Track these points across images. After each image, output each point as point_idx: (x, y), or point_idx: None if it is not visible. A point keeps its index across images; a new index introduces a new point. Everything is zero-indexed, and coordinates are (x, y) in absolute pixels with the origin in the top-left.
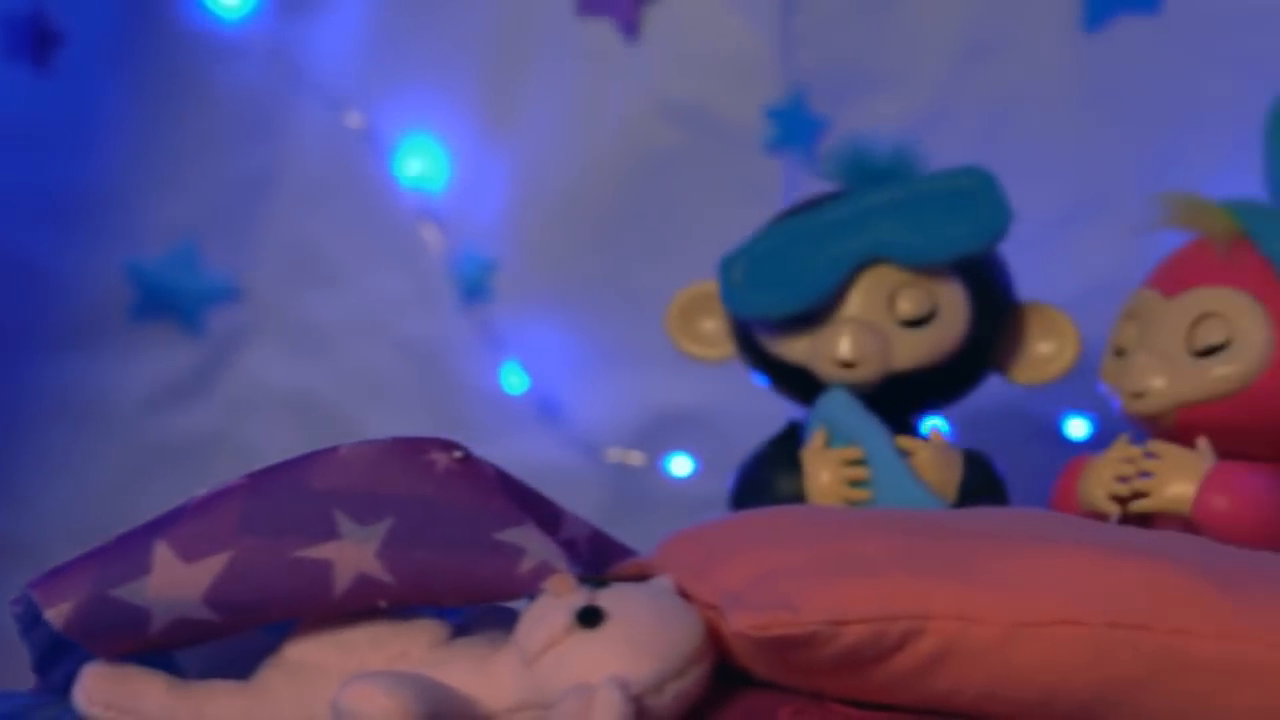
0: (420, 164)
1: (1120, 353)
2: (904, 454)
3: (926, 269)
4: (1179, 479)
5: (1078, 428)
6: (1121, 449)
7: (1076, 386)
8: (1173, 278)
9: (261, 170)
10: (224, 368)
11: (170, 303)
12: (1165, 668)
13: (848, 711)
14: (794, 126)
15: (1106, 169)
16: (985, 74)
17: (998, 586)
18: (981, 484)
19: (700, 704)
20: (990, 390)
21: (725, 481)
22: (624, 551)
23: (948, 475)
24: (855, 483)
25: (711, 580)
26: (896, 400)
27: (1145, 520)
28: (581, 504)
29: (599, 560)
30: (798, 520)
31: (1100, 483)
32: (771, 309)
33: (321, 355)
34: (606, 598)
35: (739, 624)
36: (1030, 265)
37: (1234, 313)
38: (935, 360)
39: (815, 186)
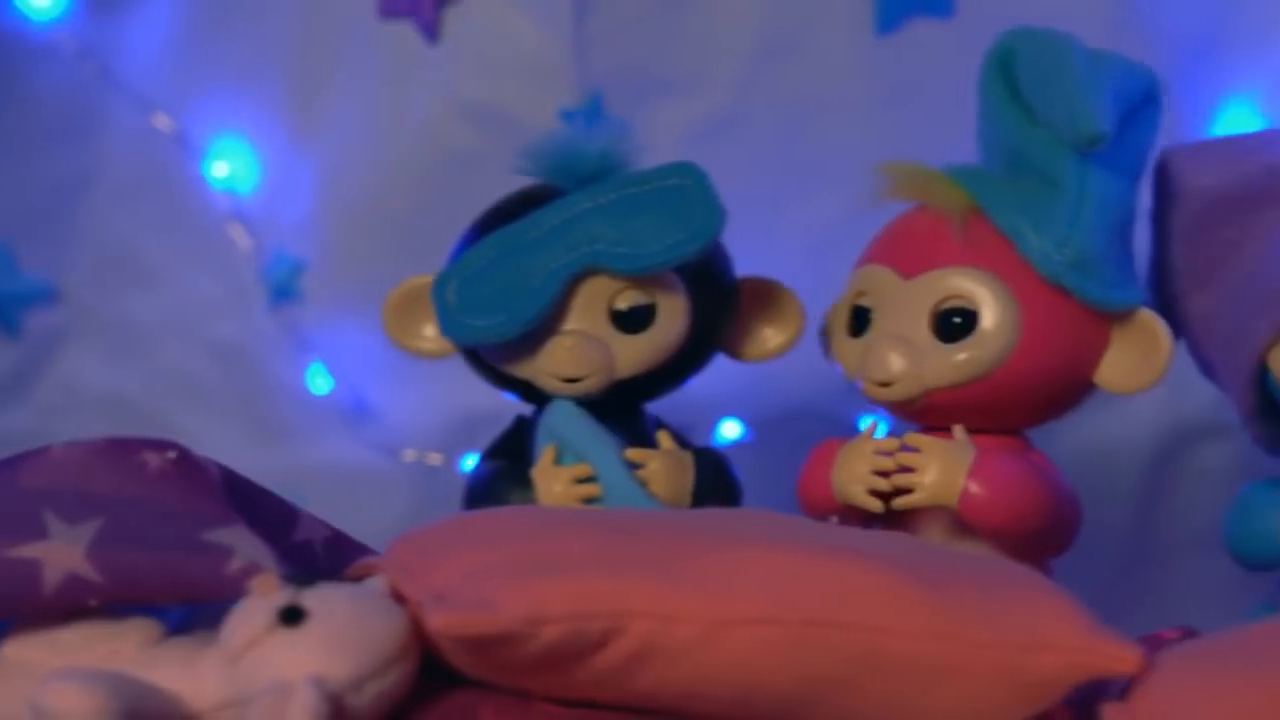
0: (230, 166)
1: (856, 334)
2: (634, 466)
3: (646, 274)
4: (943, 473)
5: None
6: (875, 441)
7: None
8: (909, 257)
9: (75, 172)
10: (40, 369)
11: None
12: (865, 667)
13: (552, 710)
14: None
15: None
16: (780, 76)
17: (698, 586)
18: (713, 484)
19: (404, 703)
20: (783, 389)
21: None
22: (364, 553)
23: (680, 483)
24: (589, 499)
25: (422, 580)
26: (625, 404)
27: (905, 513)
28: (387, 504)
29: (336, 561)
30: (509, 520)
31: (857, 477)
32: (488, 335)
33: (136, 357)
34: (310, 597)
35: (437, 622)
36: (827, 266)
37: (978, 294)
38: (659, 362)
39: None
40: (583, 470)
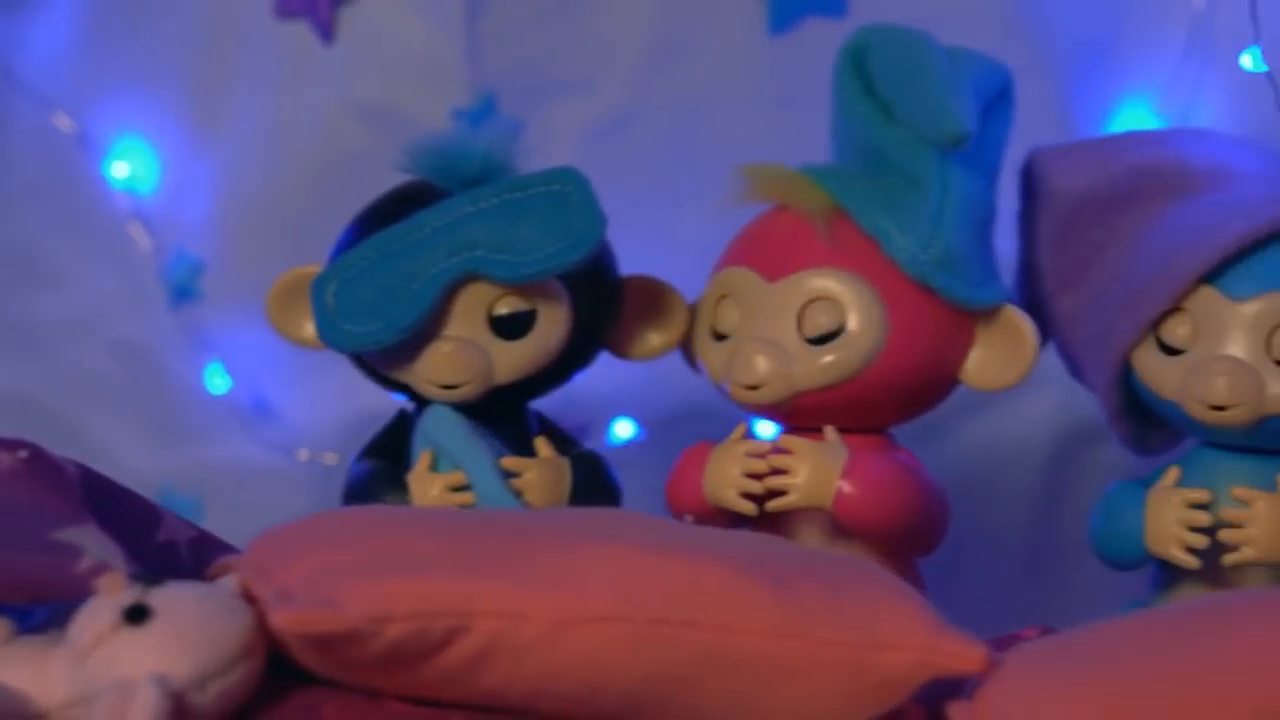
0: (130, 166)
1: (721, 336)
2: (510, 475)
3: (527, 282)
4: (815, 473)
5: (766, 427)
6: (746, 444)
7: None
8: (772, 259)
9: None
10: None
11: None
12: (710, 665)
13: (399, 708)
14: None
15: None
16: (674, 75)
17: (544, 584)
18: (589, 488)
19: (249, 701)
20: (677, 388)
21: None
22: (229, 552)
23: (556, 491)
24: (463, 508)
25: (273, 578)
26: (505, 408)
27: (780, 515)
28: (284, 503)
29: (200, 561)
30: (361, 520)
31: (729, 480)
32: (365, 342)
33: (38, 356)
34: (156, 596)
35: (280, 621)
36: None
37: (844, 296)
38: (539, 367)
39: None
40: (458, 479)
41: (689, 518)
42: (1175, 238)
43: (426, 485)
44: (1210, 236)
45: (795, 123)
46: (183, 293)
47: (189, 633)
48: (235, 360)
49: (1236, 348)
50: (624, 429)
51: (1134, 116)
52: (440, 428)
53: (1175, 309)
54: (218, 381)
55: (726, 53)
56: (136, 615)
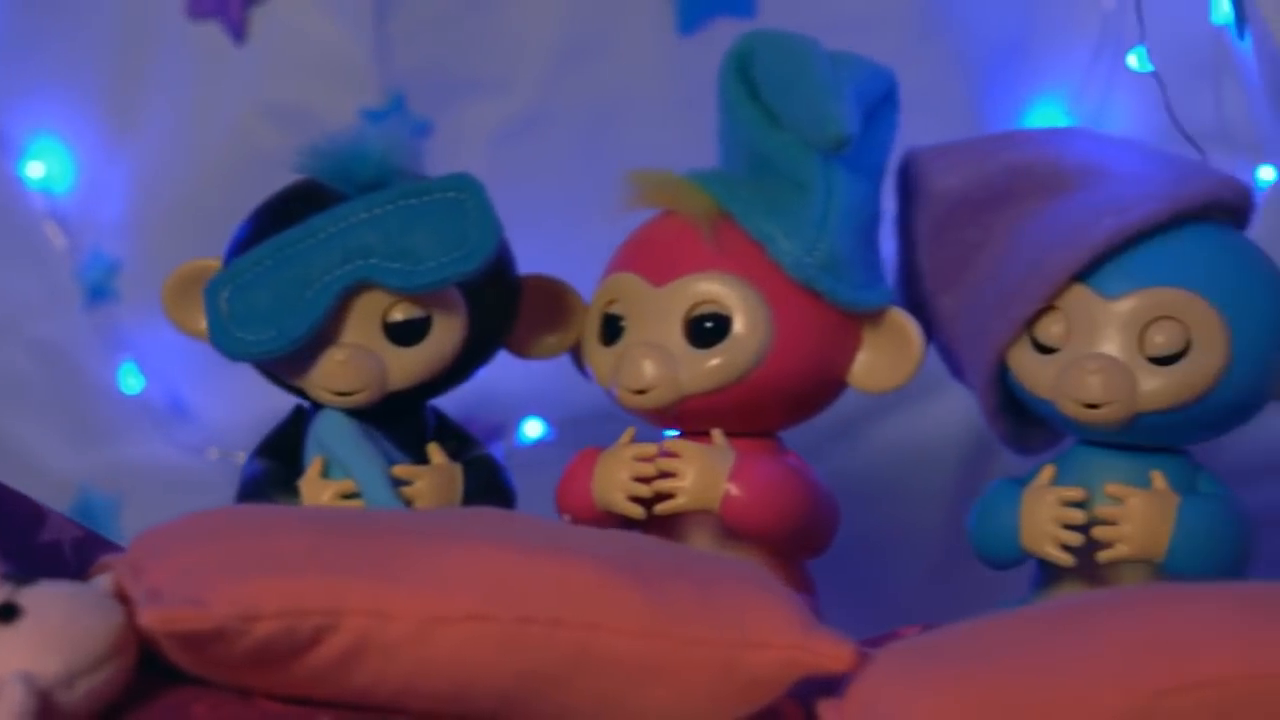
0: (45, 166)
1: (608, 342)
2: (400, 483)
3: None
4: (703, 476)
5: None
6: (634, 447)
7: None
8: (658, 264)
9: None
10: None
11: None
12: (579, 663)
13: (270, 706)
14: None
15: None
16: (583, 76)
17: (413, 583)
18: (482, 493)
19: (119, 700)
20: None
21: None
22: (114, 551)
23: (447, 498)
24: None
25: (144, 577)
26: (401, 409)
27: (670, 519)
28: (200, 502)
29: (84, 561)
30: (234, 518)
31: (617, 484)
32: (257, 351)
33: None
34: (26, 595)
35: (148, 619)
36: None
37: (729, 299)
38: (435, 372)
39: None
40: (348, 486)
41: (567, 518)
42: (1048, 237)
43: (317, 491)
44: (1081, 235)
45: (704, 123)
46: (98, 293)
47: (57, 631)
48: (150, 360)
49: (1109, 346)
50: (533, 429)
51: (1046, 116)
52: (332, 434)
53: (1049, 308)
54: (132, 381)
55: (636, 53)
56: (5, 614)
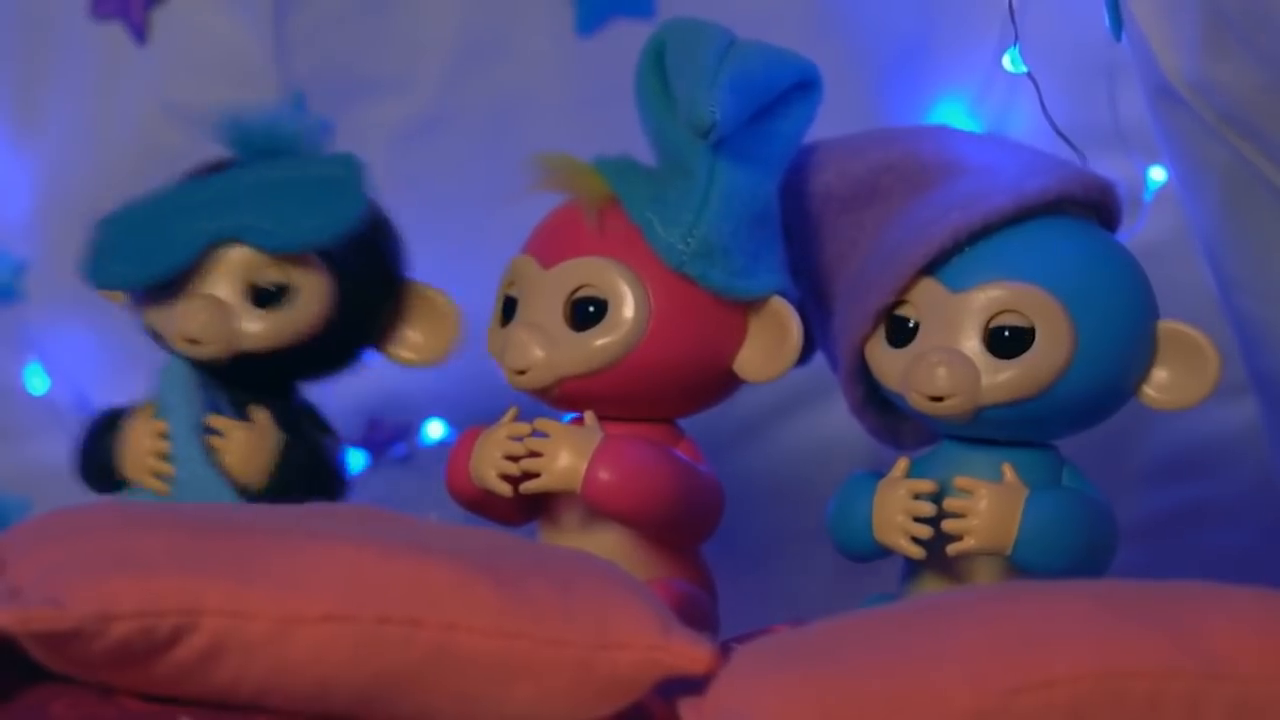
0: None
1: (505, 324)
2: (211, 433)
3: (284, 253)
4: (567, 456)
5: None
6: (510, 427)
7: None
8: (549, 247)
9: None
10: None
11: None
12: (438, 663)
13: (132, 704)
14: None
15: None
16: (483, 76)
17: (272, 583)
18: (303, 472)
19: None
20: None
21: None
22: None
23: (254, 459)
24: (161, 456)
25: (6, 575)
26: (265, 383)
27: (541, 498)
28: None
29: None
30: (94, 516)
31: (490, 462)
32: (117, 282)
33: None
34: None
35: (5, 619)
36: None
37: (608, 283)
38: (288, 341)
39: None
40: (161, 427)
41: (433, 516)
42: (902, 233)
43: (140, 433)
44: (928, 230)
45: (604, 122)
46: (4, 293)
47: None
48: (56, 360)
49: (956, 339)
50: (436, 429)
51: (948, 117)
52: (166, 377)
53: (900, 301)
54: (38, 382)
55: (535, 53)
56: None
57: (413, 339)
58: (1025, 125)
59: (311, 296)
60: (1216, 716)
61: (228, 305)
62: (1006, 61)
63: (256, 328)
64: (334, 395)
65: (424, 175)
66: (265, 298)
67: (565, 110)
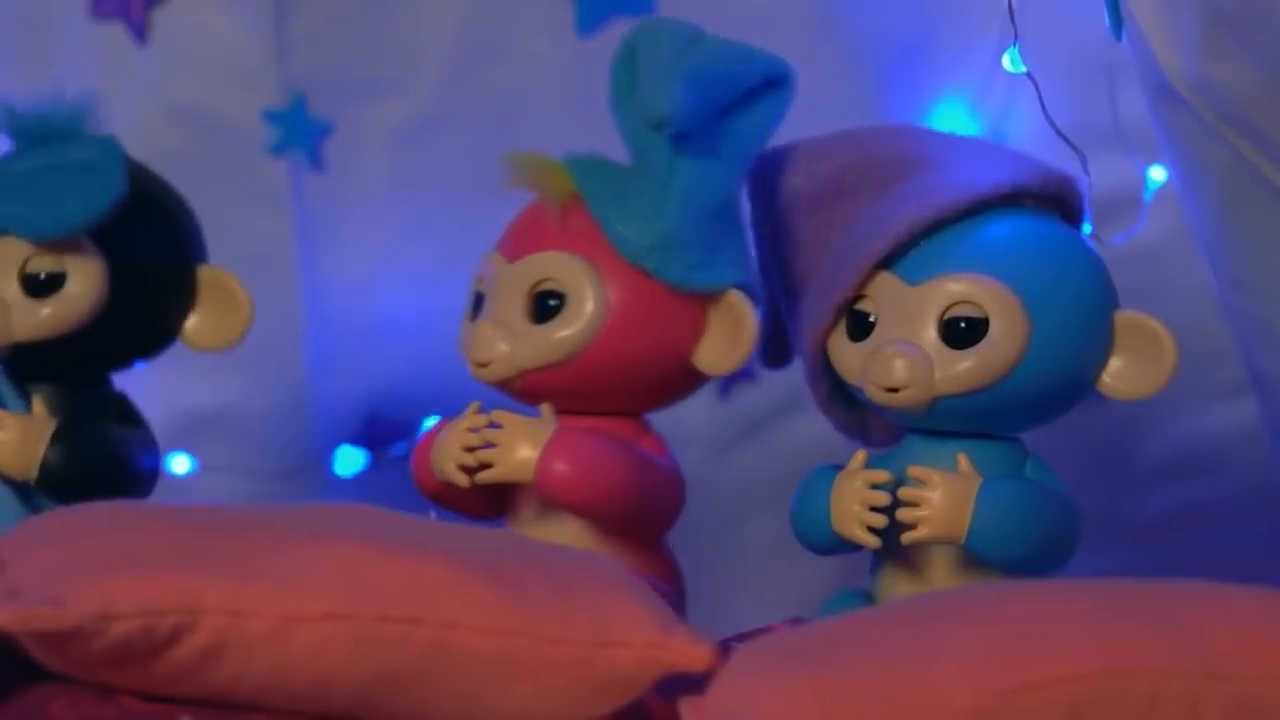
0: None
1: (475, 318)
2: None
3: (50, 240)
4: (521, 447)
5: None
6: (470, 419)
7: None
8: (514, 243)
9: None
10: None
11: None
12: (437, 661)
13: (131, 704)
14: (295, 129)
15: None
16: (483, 76)
17: (271, 581)
18: (76, 462)
19: None
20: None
21: (225, 478)
22: None
23: (27, 449)
24: None
25: (5, 574)
26: (37, 367)
27: (505, 491)
28: None
29: None
30: (94, 516)
31: (449, 454)
32: None
33: None
34: None
35: (3, 618)
36: None
37: (567, 277)
38: (68, 328)
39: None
40: None
41: (433, 515)
42: (861, 229)
43: None
44: (884, 225)
45: (604, 121)
46: None
47: None
48: None
49: (912, 331)
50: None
51: (949, 116)
52: None
53: (860, 296)
54: None
55: (535, 53)
56: None
57: (205, 325)
58: (1025, 125)
59: (86, 282)
60: (1216, 716)
61: (3, 298)
62: (1006, 61)
63: (31, 317)
64: (333, 394)
65: (424, 175)
66: (39, 286)
67: (565, 110)
